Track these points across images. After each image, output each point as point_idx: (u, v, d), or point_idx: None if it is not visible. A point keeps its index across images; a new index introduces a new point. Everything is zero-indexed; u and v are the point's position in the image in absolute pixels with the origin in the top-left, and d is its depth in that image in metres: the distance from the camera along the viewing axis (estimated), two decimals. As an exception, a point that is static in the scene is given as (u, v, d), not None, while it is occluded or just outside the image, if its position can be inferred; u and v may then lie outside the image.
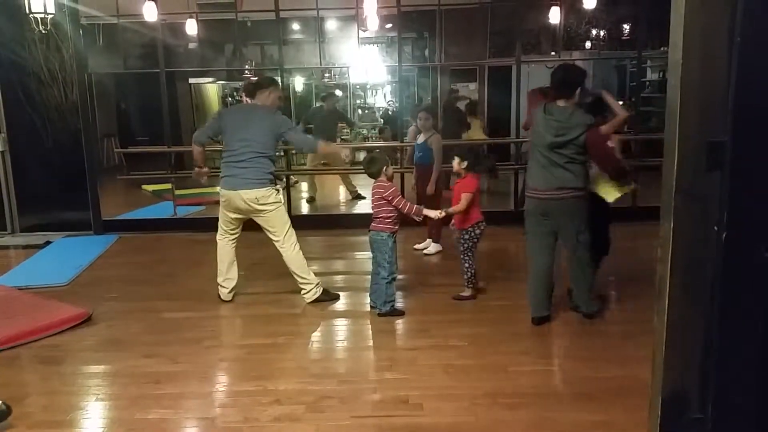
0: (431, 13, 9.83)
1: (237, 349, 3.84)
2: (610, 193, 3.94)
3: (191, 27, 9.15)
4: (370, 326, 4.19)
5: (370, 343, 4.01)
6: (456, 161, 4.44)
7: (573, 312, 4.13)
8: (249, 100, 4.67)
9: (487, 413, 2.94)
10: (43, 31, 6.46)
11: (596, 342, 3.77)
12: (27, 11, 6.34)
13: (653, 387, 1.80)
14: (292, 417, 2.95)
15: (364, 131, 13.05)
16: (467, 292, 4.49)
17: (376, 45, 12.10)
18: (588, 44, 11.20)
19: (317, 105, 10.76)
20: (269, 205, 4.37)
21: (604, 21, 10.74)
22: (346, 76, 12.74)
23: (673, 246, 1.69)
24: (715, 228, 1.64)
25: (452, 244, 5.96)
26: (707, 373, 1.72)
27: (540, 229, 3.93)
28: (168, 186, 7.94)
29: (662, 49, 8.53)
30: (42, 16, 6.35)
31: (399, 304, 4.35)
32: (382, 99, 13.41)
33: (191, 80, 13.02)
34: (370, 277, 4.40)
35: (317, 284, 4.57)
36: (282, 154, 7.25)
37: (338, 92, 12.37)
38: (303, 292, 4.56)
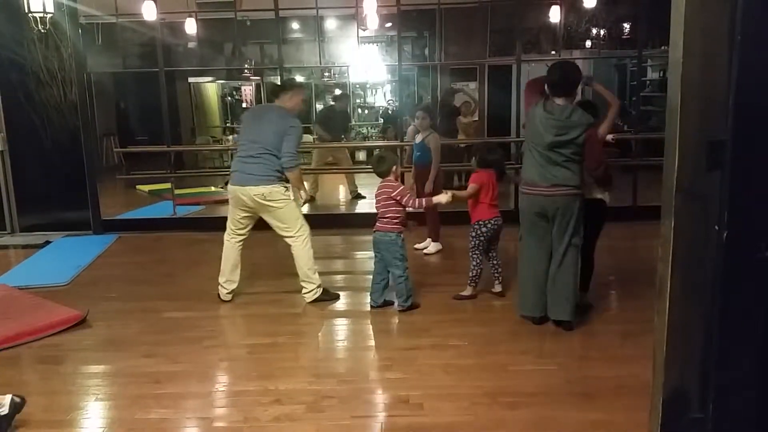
0: (431, 12, 9.82)
1: (237, 348, 3.84)
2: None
3: (190, 26, 9.14)
4: (370, 326, 4.19)
5: (371, 342, 4.01)
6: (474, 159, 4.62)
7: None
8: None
9: (487, 413, 2.94)
10: (42, 31, 6.45)
11: (596, 341, 3.77)
12: (26, 10, 6.33)
13: (654, 386, 1.79)
14: (293, 417, 2.95)
15: (364, 130, 13.06)
16: (467, 291, 4.48)
17: (375, 44, 12.09)
18: (588, 43, 11.19)
19: (329, 104, 10.81)
20: (277, 202, 4.35)
21: (605, 20, 10.73)
22: (346, 75, 12.74)
23: (674, 245, 1.68)
24: (716, 227, 1.64)
25: (451, 243, 5.98)
26: (708, 373, 1.71)
27: (538, 232, 3.84)
28: (164, 186, 7.95)
29: (663, 48, 8.53)
30: (41, 15, 6.34)
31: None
32: (382, 98, 13.41)
33: (191, 79, 13.01)
34: (372, 276, 4.39)
35: (318, 286, 4.56)
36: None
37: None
38: (304, 291, 4.55)
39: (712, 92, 1.61)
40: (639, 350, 3.39)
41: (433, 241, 5.85)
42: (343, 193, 9.02)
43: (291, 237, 4.46)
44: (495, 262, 4.50)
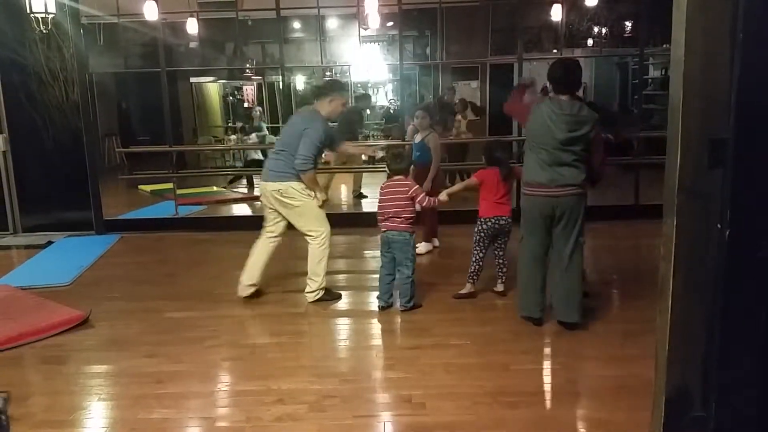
0: (432, 11, 9.82)
1: (239, 348, 3.84)
2: None
3: (192, 26, 9.15)
4: (371, 325, 4.19)
5: (372, 342, 4.02)
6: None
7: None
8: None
9: (489, 412, 2.94)
10: (44, 31, 6.46)
11: (598, 341, 3.76)
12: (28, 11, 6.34)
13: (656, 385, 1.79)
14: (295, 416, 2.95)
15: (365, 130, 13.05)
16: (466, 288, 4.48)
17: (377, 43, 12.09)
18: (590, 41, 11.18)
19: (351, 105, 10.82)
20: (293, 200, 4.38)
21: (606, 18, 10.72)
22: (348, 74, 12.74)
23: (676, 244, 1.68)
24: (718, 225, 1.64)
25: (451, 242, 5.98)
26: (710, 372, 1.71)
27: (540, 233, 3.79)
28: (166, 186, 7.95)
29: (664, 46, 8.53)
30: (43, 15, 6.35)
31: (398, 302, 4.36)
32: (383, 97, 13.41)
33: (192, 79, 13.03)
34: (378, 276, 4.35)
35: (322, 288, 4.55)
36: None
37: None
38: (306, 290, 4.55)
39: (714, 90, 1.61)
40: (641, 349, 3.38)
41: (426, 241, 5.83)
42: (345, 192, 9.02)
43: (309, 236, 4.49)
44: (500, 261, 4.49)
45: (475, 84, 10.77)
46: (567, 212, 3.70)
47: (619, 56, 11.79)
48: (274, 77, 13.05)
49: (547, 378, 3.31)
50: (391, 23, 9.54)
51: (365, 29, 7.93)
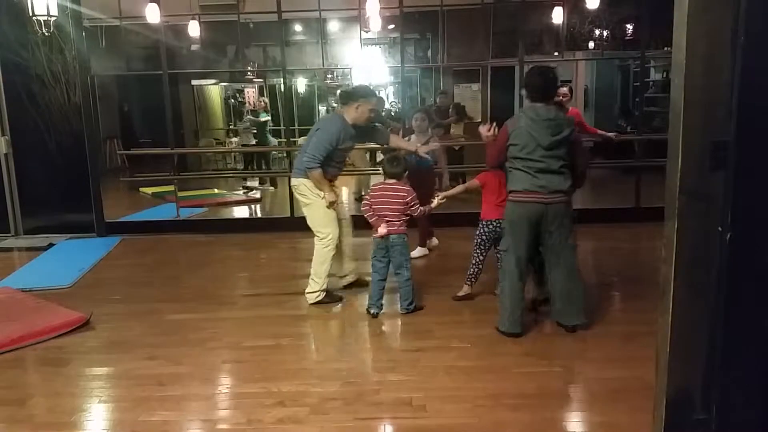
0: (433, 14, 9.82)
1: (240, 350, 3.84)
2: None
3: (194, 29, 9.17)
4: (372, 328, 4.19)
5: (373, 344, 4.01)
6: None
7: (559, 327, 3.91)
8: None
9: (490, 414, 2.93)
10: (46, 34, 6.47)
11: (599, 343, 3.76)
12: (30, 13, 6.36)
13: (658, 388, 1.79)
14: (296, 419, 2.95)
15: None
16: (463, 290, 4.47)
17: (378, 46, 12.10)
18: (591, 44, 11.19)
19: None
20: (304, 197, 4.50)
21: (607, 21, 10.72)
22: (349, 77, 12.75)
23: (678, 246, 1.68)
24: (720, 228, 1.64)
25: (450, 245, 5.98)
26: (711, 374, 1.71)
27: (528, 242, 3.75)
28: (167, 188, 7.95)
29: (666, 48, 8.52)
30: (45, 18, 6.36)
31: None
32: (384, 100, 13.41)
33: (194, 82, 13.06)
34: (372, 283, 4.34)
35: (322, 290, 4.55)
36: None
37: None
38: (307, 290, 4.55)
39: (716, 93, 1.61)
40: (642, 352, 3.38)
41: (420, 246, 5.82)
42: (346, 194, 9.02)
43: (316, 236, 4.55)
44: (501, 264, 4.48)
45: (476, 86, 10.76)
46: (558, 218, 3.71)
47: (621, 59, 11.79)
48: (275, 80, 13.07)
49: (548, 380, 3.30)
50: (392, 26, 9.55)
51: (366, 32, 7.94)
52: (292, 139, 8.28)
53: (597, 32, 11.04)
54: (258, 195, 9.81)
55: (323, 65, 9.89)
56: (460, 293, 4.49)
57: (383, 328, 4.17)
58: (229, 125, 13.86)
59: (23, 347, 3.87)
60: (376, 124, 5.07)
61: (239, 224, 7.51)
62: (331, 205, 4.46)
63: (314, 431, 2.85)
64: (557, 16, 8.11)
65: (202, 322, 4.29)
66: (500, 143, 3.82)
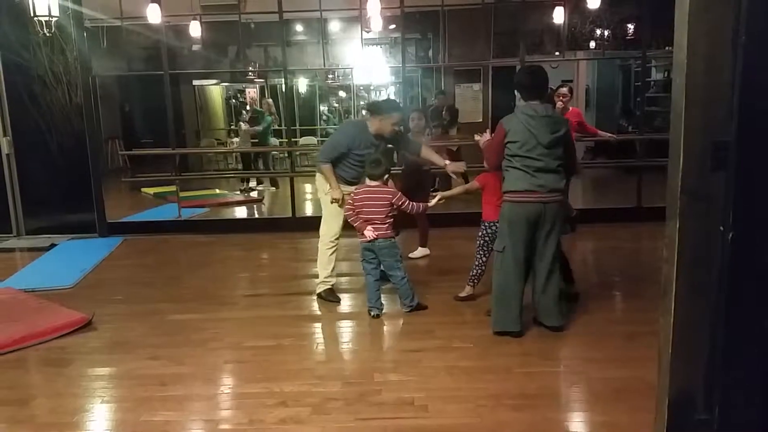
0: (434, 14, 9.83)
1: (242, 350, 3.84)
2: None
3: (195, 29, 9.17)
4: (374, 328, 4.19)
5: (375, 344, 4.01)
6: None
7: (540, 326, 3.92)
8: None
9: (492, 414, 2.93)
10: (48, 34, 6.48)
11: (600, 343, 3.75)
12: (31, 14, 6.36)
13: (660, 388, 1.79)
14: (297, 419, 2.95)
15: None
16: (465, 291, 4.47)
17: (379, 46, 12.09)
18: (592, 44, 11.18)
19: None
20: (320, 192, 4.68)
21: (609, 21, 10.71)
22: (350, 77, 12.76)
23: (679, 246, 1.68)
24: (721, 228, 1.63)
25: (451, 245, 5.97)
26: (713, 374, 1.71)
27: (525, 242, 3.72)
28: (169, 188, 7.95)
29: (667, 48, 8.51)
30: (46, 19, 6.36)
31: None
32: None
33: (195, 82, 13.07)
34: (367, 286, 4.33)
35: (324, 282, 4.63)
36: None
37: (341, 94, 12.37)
38: (317, 280, 4.72)
39: (717, 93, 1.61)
40: (644, 352, 3.38)
41: (421, 246, 5.81)
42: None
43: (320, 231, 4.66)
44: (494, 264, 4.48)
45: (477, 86, 10.76)
46: (553, 218, 3.71)
47: (622, 59, 11.78)
48: (276, 80, 13.08)
49: (550, 380, 3.30)
50: (393, 26, 9.55)
51: (368, 32, 7.94)
52: (293, 140, 8.28)
53: (598, 32, 11.03)
54: (256, 195, 9.81)
55: (324, 65, 9.87)
56: (462, 294, 4.49)
57: (384, 328, 4.17)
58: (230, 125, 13.86)
59: (25, 348, 3.88)
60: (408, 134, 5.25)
61: (240, 224, 7.52)
62: (334, 201, 4.47)
63: (316, 431, 2.85)
64: (558, 15, 8.11)
65: (203, 322, 4.29)
66: (497, 142, 3.81)
